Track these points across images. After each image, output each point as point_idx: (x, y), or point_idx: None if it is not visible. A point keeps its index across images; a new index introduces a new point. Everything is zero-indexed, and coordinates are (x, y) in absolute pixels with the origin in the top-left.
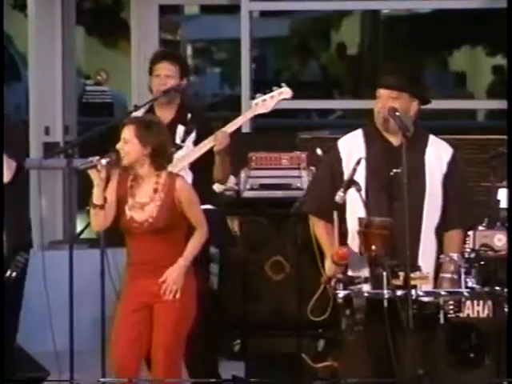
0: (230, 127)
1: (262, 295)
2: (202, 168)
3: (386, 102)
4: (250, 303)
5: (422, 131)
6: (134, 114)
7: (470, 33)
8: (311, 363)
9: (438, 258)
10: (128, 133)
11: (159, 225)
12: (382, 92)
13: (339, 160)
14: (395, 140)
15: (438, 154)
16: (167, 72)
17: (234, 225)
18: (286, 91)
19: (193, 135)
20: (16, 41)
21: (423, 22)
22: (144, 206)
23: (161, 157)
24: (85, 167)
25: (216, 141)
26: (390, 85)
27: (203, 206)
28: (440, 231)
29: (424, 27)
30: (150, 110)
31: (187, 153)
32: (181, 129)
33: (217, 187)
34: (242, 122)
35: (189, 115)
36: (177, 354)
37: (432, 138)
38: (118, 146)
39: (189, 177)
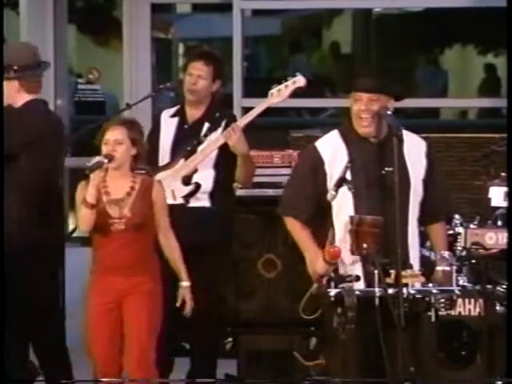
0: (243, 120)
1: (254, 293)
2: (225, 167)
3: (367, 104)
4: (242, 301)
5: (397, 121)
6: (165, 112)
7: (462, 31)
8: (303, 361)
9: (420, 245)
10: (120, 134)
11: (137, 220)
12: (362, 95)
13: (321, 161)
14: (373, 138)
15: (414, 148)
16: (199, 72)
17: None
18: (299, 80)
19: (218, 132)
20: (8, 39)
21: (415, 20)
22: (120, 202)
23: (140, 158)
24: (96, 166)
25: (225, 136)
26: (370, 88)
27: (198, 205)
28: (420, 222)
29: (416, 26)
30: (181, 108)
31: (199, 151)
32: (206, 125)
33: None
34: (256, 113)
35: (217, 114)
36: (150, 349)
37: (405, 133)
38: (109, 148)
39: (211, 175)
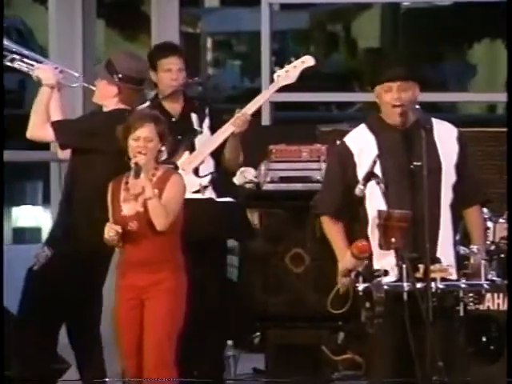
0: (251, 107)
1: (282, 287)
2: (219, 155)
3: (399, 92)
4: (270, 295)
5: (425, 114)
6: (140, 107)
7: (490, 25)
8: (331, 355)
9: (454, 237)
10: (149, 131)
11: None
12: (391, 85)
13: (350, 154)
14: (400, 127)
15: (446, 133)
16: (178, 66)
17: (253, 217)
18: (307, 59)
19: (207, 121)
20: (36, 33)
21: (443, 14)
22: (137, 197)
23: (165, 151)
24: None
25: (235, 124)
26: (399, 75)
27: (224, 199)
28: (454, 207)
29: (444, 20)
30: (158, 105)
31: (207, 141)
32: (194, 116)
33: (237, 180)
34: (264, 98)
35: (196, 103)
36: (168, 352)
37: (435, 120)
38: (140, 144)
39: (210, 164)
